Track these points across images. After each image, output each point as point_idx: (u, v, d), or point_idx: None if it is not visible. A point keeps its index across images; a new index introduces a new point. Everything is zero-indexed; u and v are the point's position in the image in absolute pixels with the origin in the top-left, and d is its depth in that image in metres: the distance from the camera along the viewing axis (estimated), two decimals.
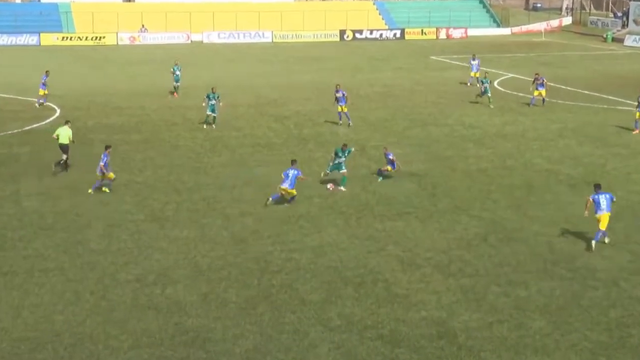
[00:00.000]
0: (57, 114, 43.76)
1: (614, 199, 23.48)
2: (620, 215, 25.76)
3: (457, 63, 67.17)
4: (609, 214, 23.01)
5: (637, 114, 38.90)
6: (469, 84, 53.77)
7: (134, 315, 18.70)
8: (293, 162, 27.67)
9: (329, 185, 28.93)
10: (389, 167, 30.12)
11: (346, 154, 29.13)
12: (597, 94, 48.33)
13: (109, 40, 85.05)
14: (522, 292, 20.05)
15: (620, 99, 47.94)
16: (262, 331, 17.89)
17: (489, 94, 45.94)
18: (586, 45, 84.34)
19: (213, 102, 40.11)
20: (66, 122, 32.36)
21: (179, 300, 19.52)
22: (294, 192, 26.79)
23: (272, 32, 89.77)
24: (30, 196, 28.19)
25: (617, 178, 30.99)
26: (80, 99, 48.61)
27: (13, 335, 17.66)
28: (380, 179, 30.14)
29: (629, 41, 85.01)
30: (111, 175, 28.58)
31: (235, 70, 63.35)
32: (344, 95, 40.06)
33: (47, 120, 41.74)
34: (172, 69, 50.63)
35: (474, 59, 54.68)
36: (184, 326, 18.12)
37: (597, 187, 23.58)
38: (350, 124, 40.01)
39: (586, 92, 51.55)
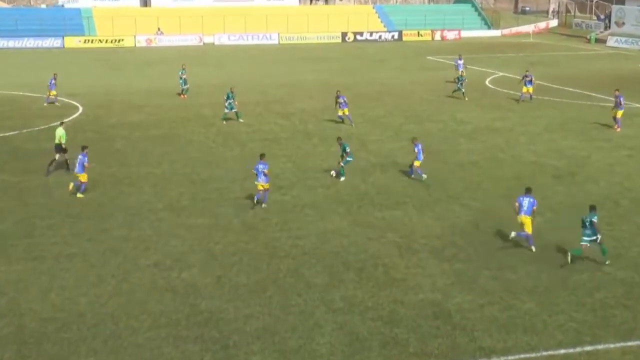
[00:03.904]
0: (80, 111, 43.78)
1: (535, 205, 21.87)
2: (603, 204, 25.78)
3: (452, 63, 66.90)
4: (530, 217, 21.73)
5: (614, 112, 38.67)
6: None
7: (153, 297, 18.78)
8: (262, 155, 26.29)
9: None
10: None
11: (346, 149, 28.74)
12: (581, 91, 48.11)
13: (128, 42, 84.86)
14: (511, 276, 20.07)
15: (602, 96, 47.76)
16: (271, 312, 17.96)
17: (463, 89, 47.36)
18: (571, 46, 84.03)
19: (231, 100, 40.38)
20: (61, 124, 31.98)
21: (194, 283, 19.61)
22: None
23: (278, 34, 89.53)
24: (58, 187, 28.24)
25: (600, 170, 30.96)
26: (101, 98, 48.63)
27: (41, 315, 17.76)
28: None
29: (611, 42, 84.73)
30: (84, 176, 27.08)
31: (244, 70, 63.24)
32: (345, 100, 39.19)
33: (70, 117, 41.75)
34: (179, 73, 49.17)
35: (460, 59, 54.33)
36: (198, 307, 18.20)
37: (527, 191, 22.23)
38: (353, 125, 39.06)
39: (571, 89, 51.43)
